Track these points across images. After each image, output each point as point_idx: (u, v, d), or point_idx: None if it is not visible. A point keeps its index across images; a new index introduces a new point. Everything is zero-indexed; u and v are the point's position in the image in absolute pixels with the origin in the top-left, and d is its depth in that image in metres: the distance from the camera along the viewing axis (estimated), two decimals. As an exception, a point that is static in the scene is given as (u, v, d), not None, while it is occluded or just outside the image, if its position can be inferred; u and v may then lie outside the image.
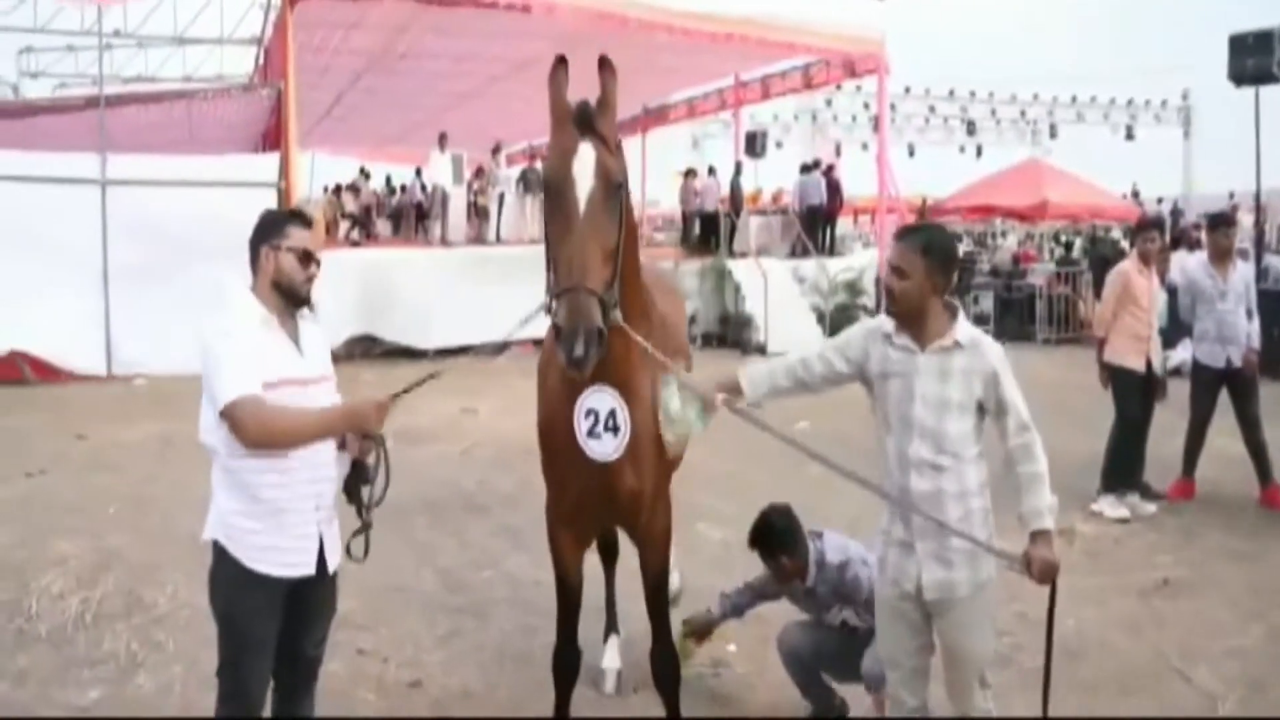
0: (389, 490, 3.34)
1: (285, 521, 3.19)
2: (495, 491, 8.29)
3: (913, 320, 3.24)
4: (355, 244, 20.84)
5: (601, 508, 3.73)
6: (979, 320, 19.64)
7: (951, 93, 38.00)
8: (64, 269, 14.61)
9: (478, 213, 22.22)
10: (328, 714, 4.60)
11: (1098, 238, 26.52)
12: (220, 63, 26.88)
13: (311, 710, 3.57)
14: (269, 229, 3.29)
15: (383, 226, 25.81)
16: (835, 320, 19.19)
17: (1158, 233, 8.29)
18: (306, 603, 3.34)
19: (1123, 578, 6.35)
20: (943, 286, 3.24)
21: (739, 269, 19.30)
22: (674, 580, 4.80)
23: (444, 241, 19.29)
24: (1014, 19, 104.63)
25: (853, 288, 20.06)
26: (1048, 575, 3.20)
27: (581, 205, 3.10)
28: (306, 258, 3.27)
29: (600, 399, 3.40)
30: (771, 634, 5.37)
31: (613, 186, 3.17)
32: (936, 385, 3.20)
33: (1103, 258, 20.22)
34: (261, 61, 22.89)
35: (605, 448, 3.42)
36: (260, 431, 3.04)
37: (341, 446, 3.36)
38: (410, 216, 23.97)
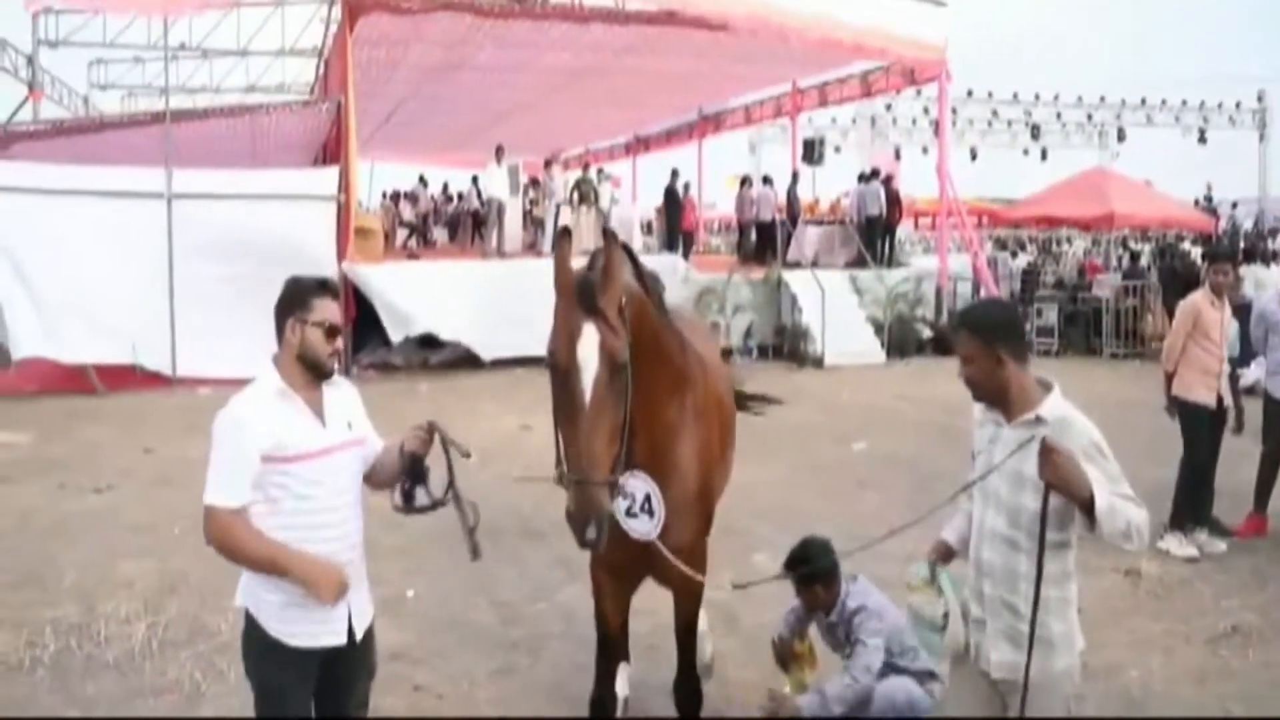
0: (459, 495, 3.38)
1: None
2: (551, 517, 8.23)
3: (996, 400, 3.19)
4: (412, 255, 21.02)
5: (641, 566, 3.88)
6: (1042, 333, 19.31)
7: (1015, 95, 37.43)
8: (132, 279, 14.99)
9: (533, 222, 22.33)
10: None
11: (1167, 247, 25.92)
12: (282, 73, 27.40)
13: None
14: (294, 302, 3.24)
15: (439, 234, 26.03)
16: (894, 332, 18.99)
17: (1231, 265, 8.05)
18: (340, 670, 3.32)
19: (1190, 623, 6.15)
20: (1010, 357, 3.12)
21: (795, 280, 19.14)
22: (706, 651, 4.95)
23: (500, 253, 19.40)
24: (1079, 19, 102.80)
25: (911, 299, 19.82)
26: (1053, 471, 2.87)
27: (587, 391, 3.19)
28: (332, 332, 3.24)
29: (636, 484, 3.54)
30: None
31: (617, 368, 3.25)
32: (1018, 459, 3.05)
33: (1171, 270, 19.78)
34: (322, 73, 23.24)
35: (643, 527, 3.58)
36: (220, 544, 3.09)
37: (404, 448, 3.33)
38: (467, 224, 24.16)
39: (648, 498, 3.54)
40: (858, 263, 20.90)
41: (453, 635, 6.10)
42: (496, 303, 16.57)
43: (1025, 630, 3.05)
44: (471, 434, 11.39)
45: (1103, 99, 38.45)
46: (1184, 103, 39.04)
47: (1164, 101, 38.84)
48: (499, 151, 19.49)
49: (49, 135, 18.14)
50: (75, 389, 14.78)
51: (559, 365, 3.25)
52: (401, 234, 23.20)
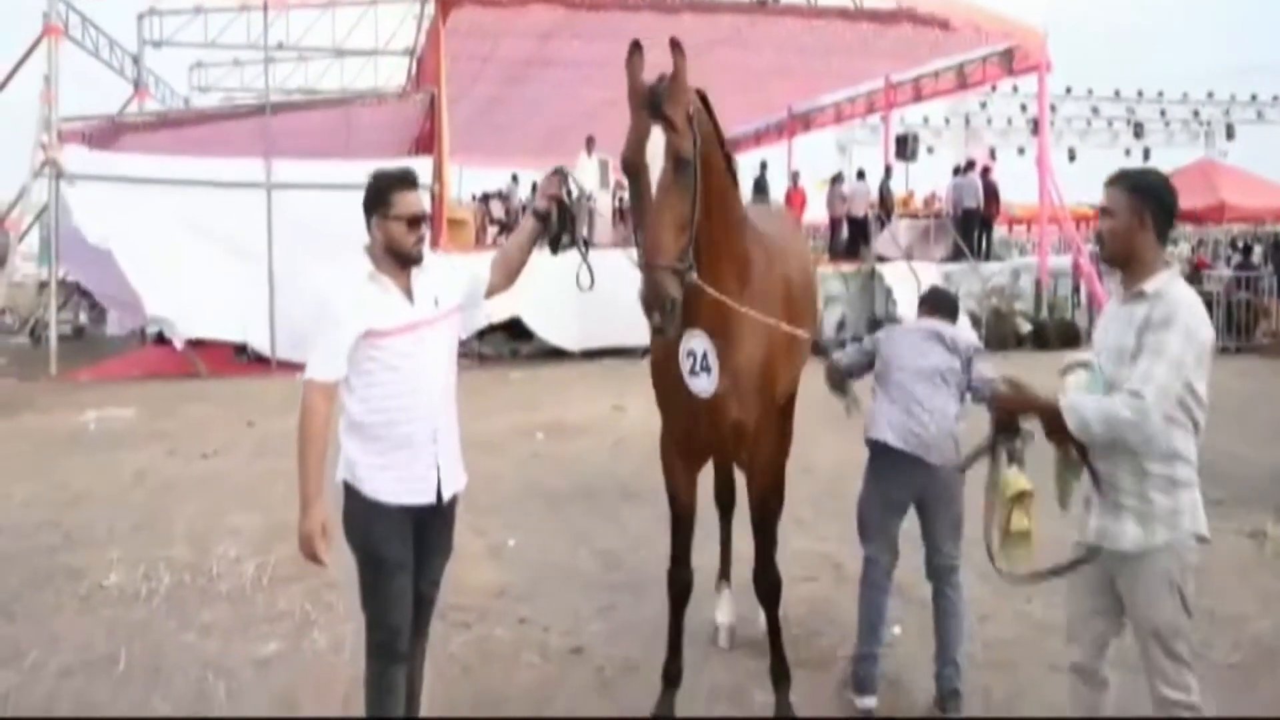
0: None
1: (406, 457, 3.39)
2: (650, 480, 8.13)
3: (1121, 261, 3.21)
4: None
5: (707, 436, 4.03)
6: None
7: (1117, 93, 36.15)
8: (234, 265, 15.34)
9: (623, 217, 22.27)
10: (493, 679, 4.63)
11: (1282, 239, 24.84)
12: (375, 75, 27.83)
13: (422, 658, 3.72)
14: (376, 199, 3.40)
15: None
16: (990, 325, 18.50)
17: None
18: (425, 535, 3.51)
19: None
20: (1158, 226, 3.15)
21: (889, 272, 18.78)
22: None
23: (590, 245, 19.38)
24: (1182, 11, 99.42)
25: (1008, 294, 19.31)
26: (1001, 400, 3.28)
27: (654, 187, 3.40)
28: (414, 222, 3.40)
29: (697, 342, 3.81)
30: None
31: (682, 164, 3.43)
32: (1119, 332, 3.15)
33: (1288, 261, 18.95)
34: (414, 71, 23.59)
35: (703, 384, 3.83)
36: (301, 420, 3.29)
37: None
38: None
39: (705, 355, 3.79)
40: (953, 257, 20.44)
41: (556, 577, 6.08)
42: (587, 294, 16.48)
43: (1126, 503, 3.11)
44: (566, 414, 11.59)
45: (1210, 94, 37.00)
46: (1293, 99, 37.59)
47: (1276, 97, 37.23)
48: (589, 142, 19.51)
49: (154, 127, 18.68)
50: (180, 373, 15.16)
51: (629, 166, 3.46)
52: (492, 231, 23.34)
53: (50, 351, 15.56)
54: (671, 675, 4.21)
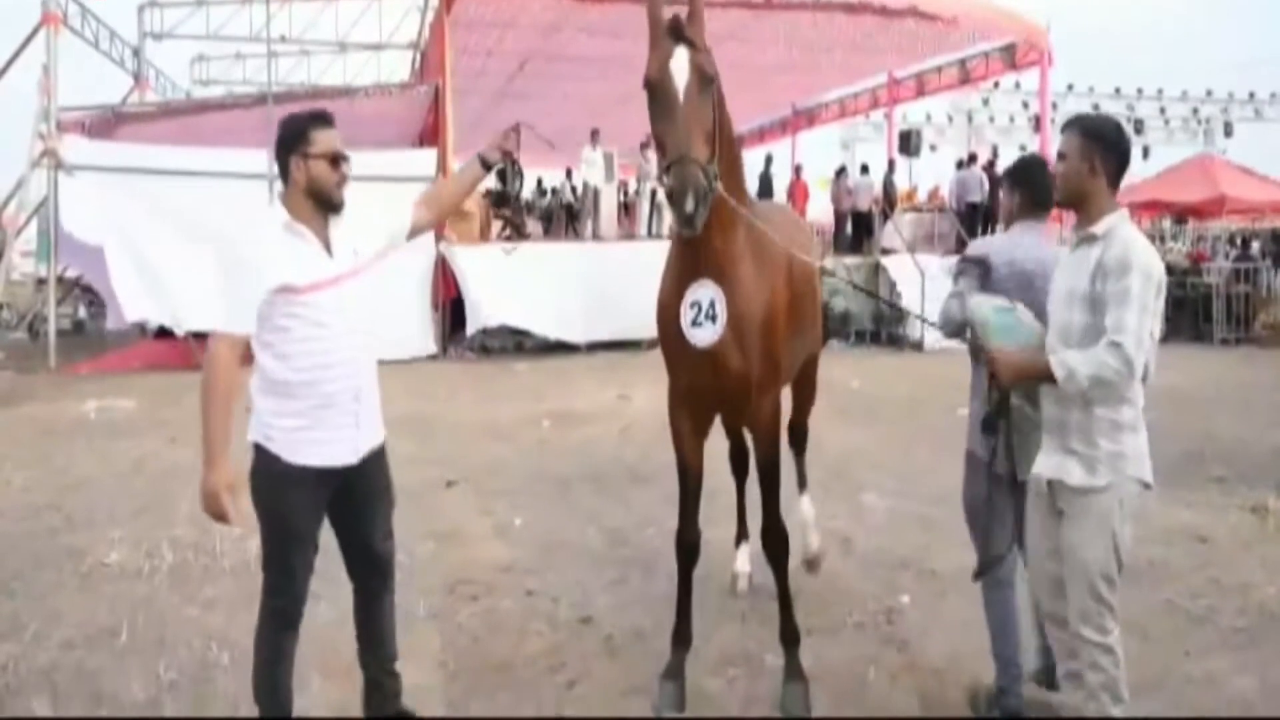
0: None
1: (325, 416, 3.26)
2: (658, 463, 8.12)
3: (1074, 203, 3.28)
4: (509, 238, 21.02)
5: (712, 392, 4.03)
6: (1151, 318, 18.67)
7: (1117, 90, 36.34)
8: (235, 257, 15.19)
9: (627, 211, 22.21)
10: (503, 646, 4.55)
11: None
12: (378, 70, 27.74)
13: (392, 617, 3.68)
14: (294, 138, 3.26)
15: (534, 227, 26.05)
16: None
17: None
18: (357, 491, 3.43)
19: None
20: (1103, 169, 3.21)
21: (893, 265, 18.72)
22: (813, 543, 5.41)
23: (596, 238, 19.32)
24: (1184, 6, 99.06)
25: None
26: (1003, 372, 3.29)
27: (681, 97, 3.52)
28: (335, 160, 3.27)
29: (703, 291, 3.82)
30: (946, 588, 5.32)
31: (706, 79, 3.58)
32: (1070, 275, 3.22)
33: (1287, 253, 18.92)
34: (418, 65, 23.51)
35: (706, 334, 3.82)
36: (206, 373, 3.15)
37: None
38: (560, 218, 24.15)
39: (712, 303, 3.80)
40: (957, 250, 20.34)
41: (564, 553, 6.02)
42: (592, 287, 16.46)
43: (1074, 447, 3.18)
44: (572, 403, 11.50)
45: (1209, 92, 37.18)
46: (1295, 96, 37.68)
47: (1274, 95, 37.44)
48: (594, 134, 19.43)
49: (155, 117, 18.57)
50: (180, 365, 15.04)
51: (654, 82, 3.56)
52: (496, 226, 23.28)
53: (49, 345, 15.45)
54: (681, 637, 4.19)
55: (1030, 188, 3.85)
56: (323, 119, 3.33)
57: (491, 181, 28.25)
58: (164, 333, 16.41)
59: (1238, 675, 4.28)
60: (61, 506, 7.12)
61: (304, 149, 3.25)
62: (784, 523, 4.17)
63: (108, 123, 17.42)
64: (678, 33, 3.59)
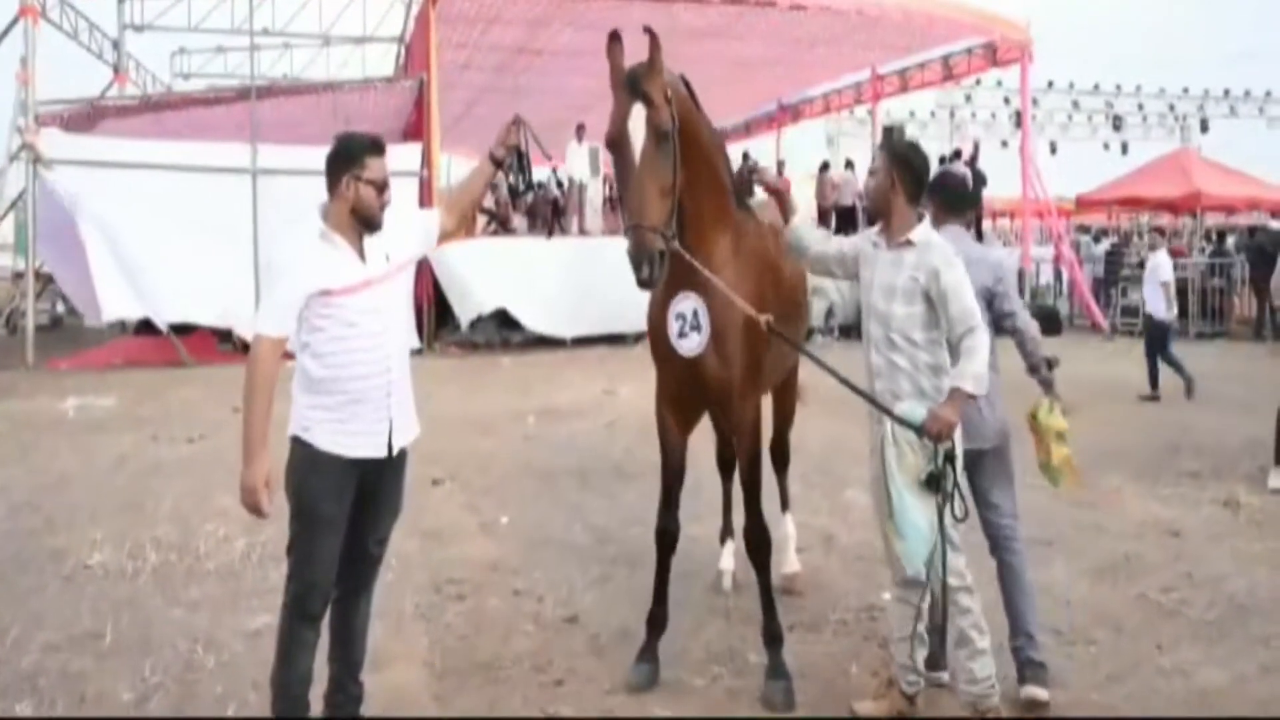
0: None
1: (360, 410, 3.46)
2: (643, 460, 8.13)
3: (880, 216, 3.78)
4: (496, 232, 20.94)
5: (696, 394, 4.22)
6: (1126, 313, 18.97)
7: (1096, 86, 36.66)
8: (219, 251, 15.08)
9: (613, 206, 22.14)
10: (490, 645, 4.56)
11: (1256, 228, 24.96)
12: (363, 65, 27.48)
13: (367, 618, 3.76)
14: (349, 159, 3.44)
15: (519, 223, 25.94)
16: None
17: None
18: (375, 491, 3.57)
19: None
20: (906, 189, 3.69)
21: (878, 260, 18.76)
22: (792, 565, 5.36)
23: (582, 233, 19.29)
24: (1159, 7, 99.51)
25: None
26: (941, 431, 3.49)
27: (637, 157, 3.70)
28: (383, 188, 3.47)
29: (686, 303, 4.04)
30: None
31: (662, 136, 3.74)
32: (889, 274, 3.68)
33: (1259, 247, 19.00)
34: (403, 59, 23.37)
35: (691, 344, 4.05)
36: (249, 371, 3.36)
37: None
38: (545, 214, 24.08)
39: (695, 313, 4.01)
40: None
41: (549, 551, 6.03)
42: (578, 281, 16.44)
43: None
44: (558, 398, 11.49)
45: (1186, 90, 37.51)
46: (1268, 94, 38.11)
47: (1248, 92, 37.93)
48: (580, 129, 19.39)
49: (136, 111, 18.41)
50: (162, 361, 14.95)
51: (614, 142, 3.76)
52: (481, 221, 23.18)
53: (27, 341, 15.26)
54: (656, 621, 4.29)
55: (941, 195, 4.19)
56: (377, 146, 3.53)
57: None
58: (145, 328, 16.30)
59: (1207, 667, 4.38)
60: (41, 506, 7.06)
61: (357, 171, 3.43)
62: (766, 523, 4.23)
63: (87, 116, 17.26)
64: (634, 87, 3.74)
